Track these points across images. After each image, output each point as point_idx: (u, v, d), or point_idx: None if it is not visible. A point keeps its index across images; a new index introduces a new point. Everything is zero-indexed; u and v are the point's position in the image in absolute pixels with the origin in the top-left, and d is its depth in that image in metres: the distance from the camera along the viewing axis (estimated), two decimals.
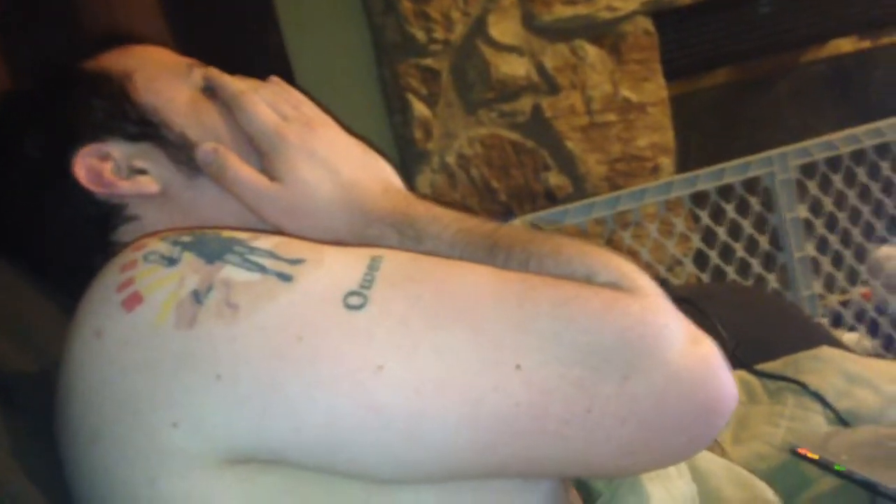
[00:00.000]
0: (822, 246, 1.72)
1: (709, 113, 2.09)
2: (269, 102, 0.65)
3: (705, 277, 1.70)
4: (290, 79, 0.74)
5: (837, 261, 1.73)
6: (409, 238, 0.58)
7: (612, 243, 1.68)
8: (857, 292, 1.75)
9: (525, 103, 1.86)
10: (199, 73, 0.68)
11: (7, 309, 0.59)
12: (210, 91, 0.67)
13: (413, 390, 0.47)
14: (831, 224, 1.72)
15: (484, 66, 1.83)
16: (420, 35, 1.80)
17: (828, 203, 1.70)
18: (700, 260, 1.71)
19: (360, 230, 0.60)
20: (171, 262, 0.48)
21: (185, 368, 0.46)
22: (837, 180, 1.70)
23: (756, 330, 1.14)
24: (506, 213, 1.74)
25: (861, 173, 1.71)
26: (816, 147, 1.67)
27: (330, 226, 0.61)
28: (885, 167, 1.72)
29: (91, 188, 0.63)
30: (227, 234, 0.51)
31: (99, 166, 0.63)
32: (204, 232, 0.51)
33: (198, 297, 0.47)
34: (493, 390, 0.47)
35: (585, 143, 1.89)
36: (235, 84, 0.66)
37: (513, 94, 1.85)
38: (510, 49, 1.84)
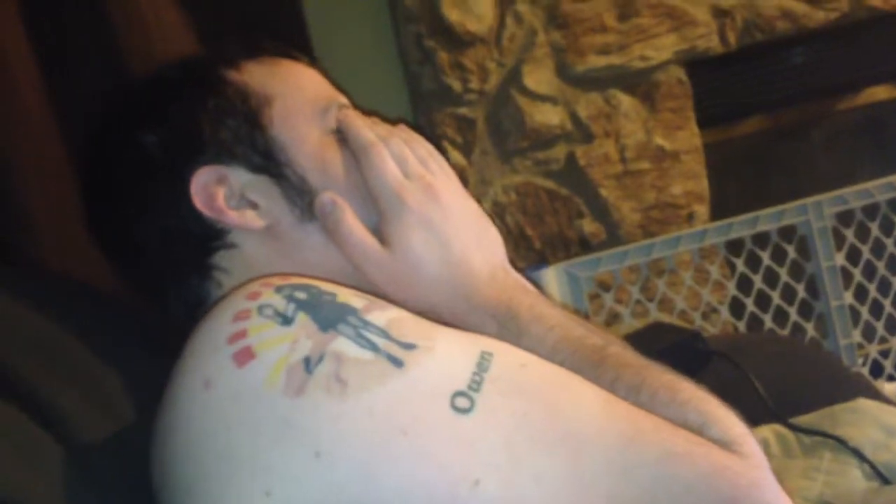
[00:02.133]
0: (861, 294, 1.70)
1: (743, 161, 2.09)
2: (396, 156, 0.63)
3: (741, 326, 1.69)
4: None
5: (876, 309, 1.71)
6: (510, 332, 0.56)
7: (647, 291, 1.68)
8: None
9: (559, 151, 1.88)
10: (335, 114, 0.66)
11: (64, 352, 0.59)
12: (341, 135, 0.65)
13: None
14: (869, 272, 1.70)
15: (518, 115, 1.85)
16: (456, 85, 1.83)
17: (865, 251, 1.69)
18: (736, 308, 1.70)
19: (462, 314, 0.58)
20: (286, 320, 0.47)
21: (287, 438, 0.45)
22: (875, 228, 1.69)
23: (793, 381, 1.13)
24: (540, 261, 1.74)
25: None
26: (852, 195, 1.66)
27: (432, 301, 0.59)
28: None
29: (200, 209, 0.61)
30: (342, 298, 0.50)
31: (214, 189, 0.62)
32: (319, 291, 0.50)
33: (308, 365, 0.46)
34: None
35: (619, 191, 1.89)
36: (367, 134, 0.64)
37: (547, 143, 1.87)
38: (544, 98, 1.86)
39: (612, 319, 1.66)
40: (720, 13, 1.91)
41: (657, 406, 0.51)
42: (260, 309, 0.48)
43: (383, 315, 0.49)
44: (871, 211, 1.69)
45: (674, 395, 0.53)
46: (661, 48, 1.89)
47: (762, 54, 1.99)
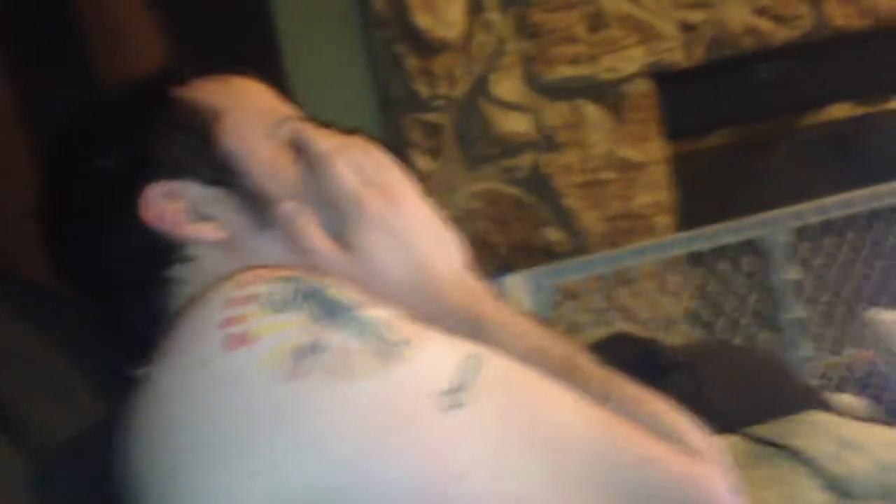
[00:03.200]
0: (815, 308, 1.73)
1: (709, 173, 2.11)
2: (354, 165, 0.64)
3: (700, 335, 1.71)
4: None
5: (829, 322, 1.74)
6: (480, 339, 0.56)
7: (610, 300, 1.69)
8: (849, 354, 1.75)
9: (525, 159, 1.89)
10: (292, 127, 0.66)
11: (21, 351, 0.59)
12: (295, 145, 0.65)
13: None
14: (824, 286, 1.73)
15: (486, 123, 1.86)
16: (424, 90, 1.83)
17: (817, 265, 1.72)
18: (695, 319, 1.72)
19: (431, 316, 0.58)
20: (281, 308, 0.48)
21: (278, 422, 0.45)
22: (827, 242, 1.72)
23: (748, 391, 1.15)
24: (505, 268, 1.75)
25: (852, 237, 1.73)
26: (811, 210, 1.69)
27: (398, 304, 0.59)
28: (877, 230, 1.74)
29: (153, 224, 0.62)
30: (335, 292, 0.50)
31: (164, 205, 0.62)
32: (313, 282, 0.50)
33: (304, 352, 0.46)
34: None
35: (584, 200, 1.91)
36: (322, 144, 0.64)
37: (513, 151, 1.88)
38: (512, 106, 1.87)
39: (575, 328, 1.67)
40: (687, 27, 1.93)
41: (626, 415, 0.53)
42: (254, 296, 0.48)
43: (376, 311, 0.50)
44: (826, 226, 1.73)
45: (639, 406, 0.54)
46: (630, 60, 1.91)
47: (728, 69, 2.02)
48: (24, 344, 0.60)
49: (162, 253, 0.63)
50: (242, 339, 0.47)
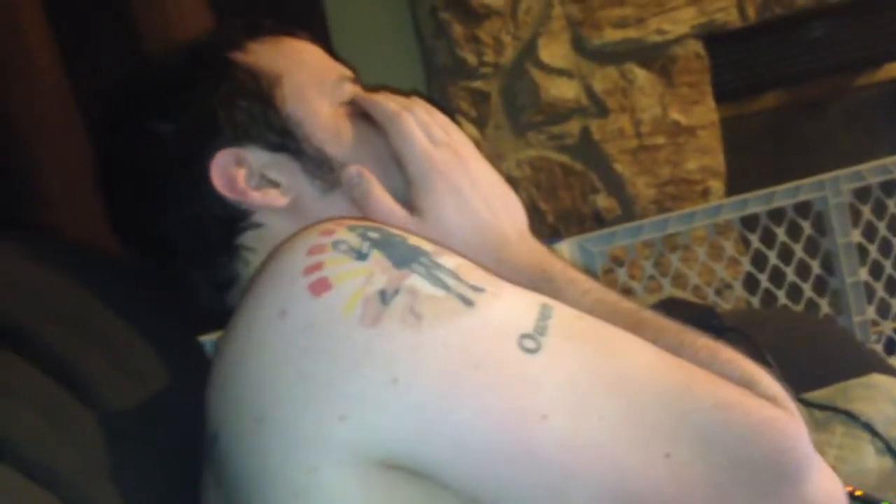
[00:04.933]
0: (876, 271, 1.69)
1: (760, 136, 2.08)
2: (421, 125, 0.64)
3: (755, 302, 1.68)
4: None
5: (891, 286, 1.70)
6: (547, 295, 0.57)
7: (660, 266, 1.68)
8: None
9: (574, 126, 1.87)
10: (349, 88, 0.67)
11: (90, 317, 0.60)
12: (354, 107, 0.66)
13: (570, 447, 0.47)
14: (885, 249, 1.69)
15: (533, 89, 1.84)
16: (471, 58, 1.82)
17: (882, 228, 1.68)
18: (750, 284, 1.70)
19: (498, 275, 0.58)
20: (361, 255, 0.49)
21: (364, 364, 0.46)
22: (892, 205, 1.68)
23: (806, 357, 1.13)
24: (553, 235, 1.75)
25: None
26: (870, 171, 1.65)
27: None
28: None
29: (222, 192, 0.63)
30: (413, 241, 0.51)
31: (234, 172, 0.63)
32: (391, 232, 0.51)
33: (384, 297, 0.47)
34: (640, 471, 0.48)
35: (634, 166, 1.89)
36: (391, 104, 0.65)
37: (562, 117, 1.86)
38: (560, 72, 1.85)
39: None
40: None
41: (700, 364, 0.53)
42: (335, 244, 0.49)
43: (452, 259, 0.51)
44: (888, 187, 1.68)
45: (715, 355, 0.54)
46: (679, 22, 1.87)
47: (781, 28, 1.97)
48: (93, 311, 0.61)
49: (231, 221, 0.64)
50: (326, 285, 0.47)
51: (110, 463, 0.52)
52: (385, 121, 0.64)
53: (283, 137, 0.64)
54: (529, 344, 0.48)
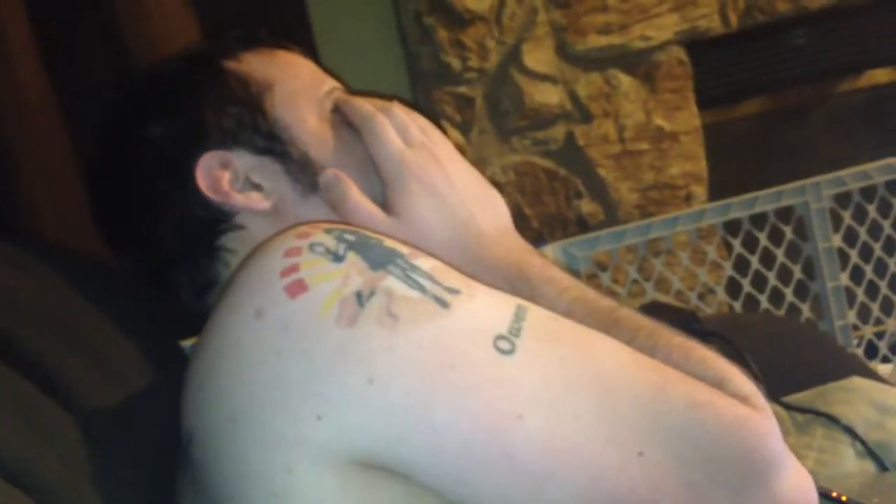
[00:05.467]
0: (857, 276, 1.71)
1: (743, 142, 2.09)
2: (398, 126, 0.65)
3: (737, 306, 1.70)
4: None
5: (872, 291, 1.72)
6: (523, 294, 0.57)
7: (644, 271, 1.69)
8: (892, 323, 1.73)
9: (558, 131, 1.88)
10: (332, 95, 0.68)
11: (71, 323, 0.60)
12: (341, 116, 0.67)
13: (546, 447, 0.48)
14: (866, 254, 1.71)
15: (518, 94, 1.85)
16: (455, 63, 1.83)
17: (862, 233, 1.69)
18: (732, 289, 1.71)
19: (475, 273, 0.59)
20: (337, 258, 0.49)
21: (340, 365, 0.47)
22: (872, 210, 1.69)
23: (787, 360, 1.14)
24: (538, 240, 1.75)
25: None
26: (851, 176, 1.66)
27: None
28: None
29: (206, 193, 0.63)
30: (389, 243, 0.52)
31: (219, 174, 0.64)
32: (367, 234, 0.52)
33: (360, 299, 0.47)
34: (615, 470, 0.48)
35: (618, 171, 1.90)
36: (367, 107, 0.66)
37: (546, 122, 1.87)
38: (544, 77, 1.86)
39: None
40: None
41: (674, 364, 0.54)
42: (311, 246, 0.49)
43: (428, 262, 0.52)
44: (868, 193, 1.70)
45: (688, 354, 0.55)
46: (662, 28, 1.88)
47: (763, 35, 1.98)
48: (73, 315, 0.61)
49: (213, 222, 0.64)
50: (302, 287, 0.48)
51: (92, 469, 0.52)
52: (360, 122, 0.65)
53: (270, 141, 0.65)
54: (504, 345, 0.48)
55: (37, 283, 0.61)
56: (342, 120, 0.67)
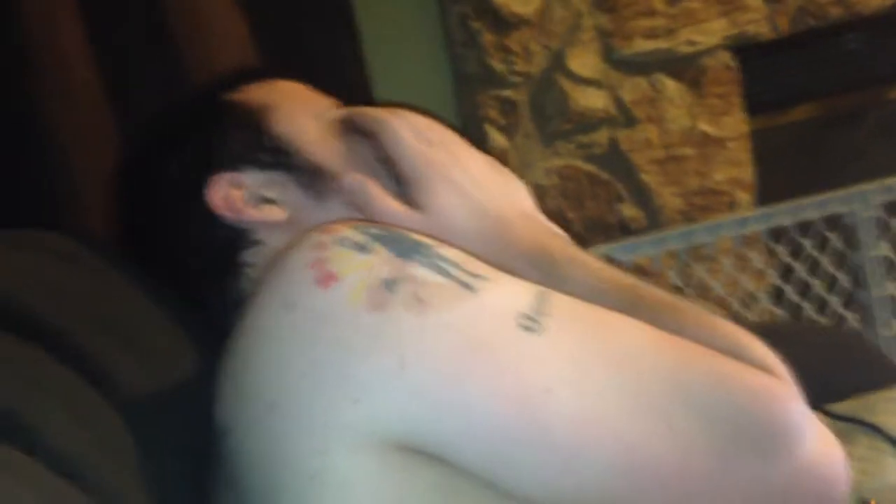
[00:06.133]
0: None
1: (792, 149, 2.06)
2: (409, 127, 0.67)
3: (781, 314, 1.68)
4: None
5: None
6: (552, 278, 0.59)
7: (685, 277, 1.67)
8: None
9: (602, 135, 1.87)
10: (337, 108, 0.72)
11: (116, 316, 0.62)
12: (344, 125, 0.70)
13: (577, 420, 0.49)
14: None
15: (562, 99, 1.85)
16: (500, 67, 1.83)
17: None
18: (777, 296, 1.69)
19: (502, 262, 0.60)
20: (364, 249, 0.51)
21: (373, 349, 0.48)
22: None
23: (831, 369, 1.13)
24: (579, 244, 1.75)
25: None
26: None
27: (472, 254, 0.63)
28: None
29: (221, 213, 0.66)
30: (414, 236, 0.54)
31: (231, 194, 0.67)
32: (391, 228, 0.54)
33: (389, 285, 0.49)
34: (644, 442, 0.49)
35: (661, 177, 1.89)
36: (378, 111, 0.68)
37: (590, 127, 1.87)
38: (589, 82, 1.86)
39: None
40: None
41: (696, 339, 0.54)
42: (339, 241, 0.52)
43: (452, 252, 0.53)
44: None
45: (712, 329, 0.56)
46: (710, 33, 1.87)
47: (813, 41, 1.96)
48: (118, 309, 0.63)
49: (231, 240, 0.67)
50: (332, 277, 0.50)
51: (136, 459, 0.53)
52: (376, 127, 0.67)
53: (276, 155, 0.68)
54: (530, 324, 0.50)
55: (83, 276, 0.63)
56: (346, 128, 0.70)
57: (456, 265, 0.52)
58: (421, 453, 0.49)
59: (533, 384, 0.49)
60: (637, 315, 0.55)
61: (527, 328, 0.50)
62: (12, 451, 0.45)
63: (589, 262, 0.61)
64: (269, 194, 0.68)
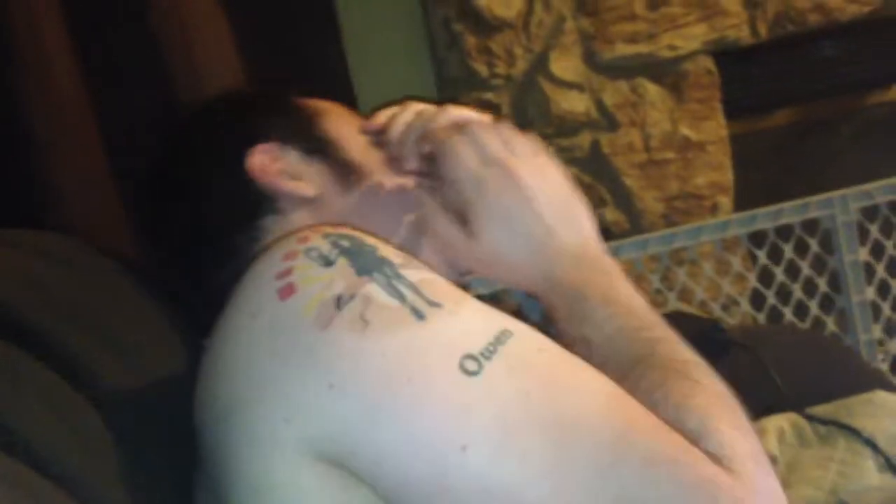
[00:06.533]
0: (883, 290, 1.70)
1: (770, 153, 2.08)
2: (474, 144, 0.66)
3: (761, 318, 1.69)
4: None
5: None
6: (575, 316, 0.58)
7: (667, 280, 1.68)
8: None
9: (584, 139, 1.88)
10: (376, 123, 0.75)
11: (103, 316, 0.63)
12: (380, 141, 0.73)
13: (484, 487, 0.46)
14: (893, 268, 1.70)
15: (544, 102, 1.85)
16: (482, 69, 1.83)
17: (889, 247, 1.68)
18: (756, 300, 1.70)
19: (541, 292, 0.60)
20: (328, 262, 0.51)
21: (307, 367, 0.48)
22: None
23: (810, 372, 1.14)
24: None
25: None
26: (878, 190, 1.65)
27: (515, 280, 0.65)
28: None
29: (256, 176, 0.69)
30: (382, 252, 0.52)
31: (269, 163, 0.70)
32: (362, 241, 0.53)
33: (339, 302, 0.49)
34: None
35: (643, 180, 1.89)
36: (442, 131, 0.68)
37: (572, 130, 1.87)
38: (570, 85, 1.86)
39: None
40: (752, 4, 1.90)
41: (666, 407, 0.51)
42: (307, 251, 0.51)
43: (417, 273, 0.52)
44: None
45: (686, 401, 0.51)
46: (691, 38, 1.88)
47: (792, 46, 1.97)
48: (101, 309, 0.63)
49: (257, 203, 0.69)
50: (292, 289, 0.50)
51: (118, 461, 0.53)
52: (437, 144, 0.68)
53: (319, 144, 0.72)
54: (471, 365, 0.47)
55: (66, 276, 0.63)
56: (381, 142, 0.73)
57: (414, 289, 0.50)
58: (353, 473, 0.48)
59: (450, 438, 0.46)
60: (634, 373, 0.53)
61: (466, 370, 0.47)
62: None
63: (620, 309, 0.58)
64: (304, 174, 0.70)
